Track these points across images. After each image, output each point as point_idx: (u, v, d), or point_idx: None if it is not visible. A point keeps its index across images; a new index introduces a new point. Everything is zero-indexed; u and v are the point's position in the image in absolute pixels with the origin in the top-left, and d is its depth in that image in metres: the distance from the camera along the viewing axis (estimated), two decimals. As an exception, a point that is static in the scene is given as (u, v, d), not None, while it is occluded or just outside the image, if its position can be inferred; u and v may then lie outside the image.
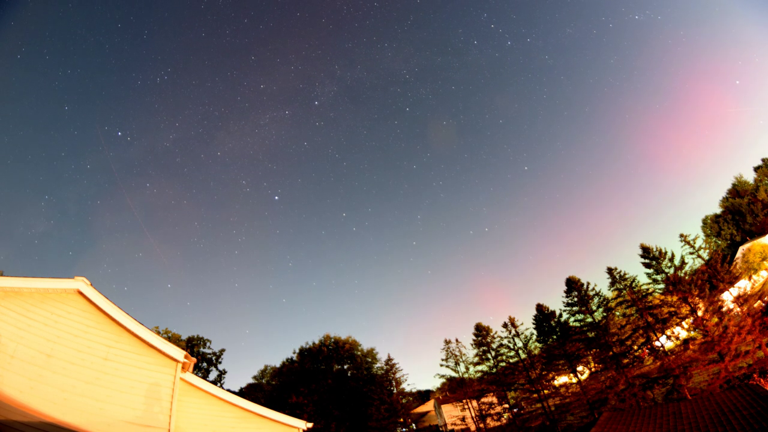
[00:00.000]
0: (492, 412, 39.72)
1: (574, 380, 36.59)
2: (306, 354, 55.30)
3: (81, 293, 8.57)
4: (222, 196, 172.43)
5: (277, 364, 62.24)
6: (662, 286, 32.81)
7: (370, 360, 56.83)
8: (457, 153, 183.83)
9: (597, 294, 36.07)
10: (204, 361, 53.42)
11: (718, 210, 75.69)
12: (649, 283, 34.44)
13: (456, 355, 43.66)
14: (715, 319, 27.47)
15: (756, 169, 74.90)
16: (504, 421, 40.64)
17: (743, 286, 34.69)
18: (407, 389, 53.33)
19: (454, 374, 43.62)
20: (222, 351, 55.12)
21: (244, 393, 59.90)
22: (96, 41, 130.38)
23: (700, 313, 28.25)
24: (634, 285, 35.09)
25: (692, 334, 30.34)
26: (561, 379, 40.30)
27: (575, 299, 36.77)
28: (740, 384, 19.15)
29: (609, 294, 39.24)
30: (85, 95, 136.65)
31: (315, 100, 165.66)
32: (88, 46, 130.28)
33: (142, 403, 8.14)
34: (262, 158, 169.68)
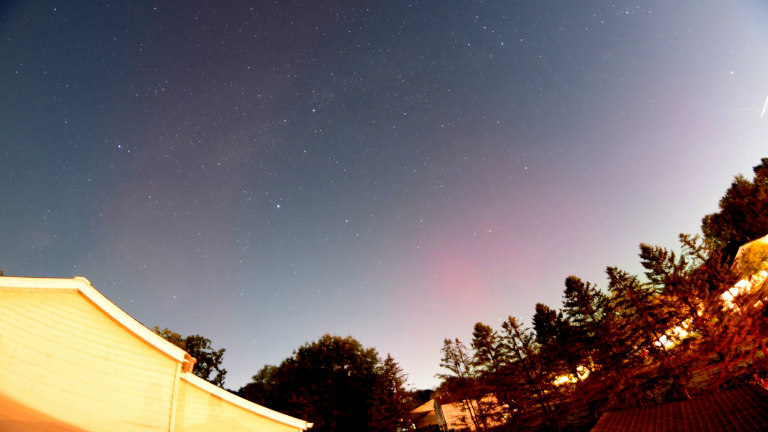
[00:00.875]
0: (492, 412, 39.70)
1: (574, 380, 36.59)
2: (306, 354, 55.30)
3: (81, 293, 8.57)
4: (224, 206, 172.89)
5: (277, 364, 62.31)
6: (662, 286, 32.80)
7: (370, 360, 56.83)
8: (456, 155, 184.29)
9: (597, 294, 36.08)
10: (204, 361, 53.42)
11: (718, 210, 75.74)
12: (649, 283, 34.46)
13: (456, 355, 43.65)
14: (715, 319, 27.46)
15: (756, 169, 74.93)
16: (504, 421, 40.61)
17: (743, 286, 34.68)
18: (407, 389, 53.27)
19: (454, 374, 43.62)
20: (222, 351, 55.15)
21: (244, 393, 59.91)
22: (93, 55, 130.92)
23: (700, 313, 28.25)
24: (634, 285, 35.09)
25: (692, 334, 30.34)
26: (561, 379, 40.29)
27: (575, 299, 36.77)
28: (740, 384, 19.16)
29: (609, 294, 39.26)
30: (83, 109, 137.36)
31: (312, 107, 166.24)
32: (86, 60, 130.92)
33: (142, 403, 8.14)
34: (262, 167, 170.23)
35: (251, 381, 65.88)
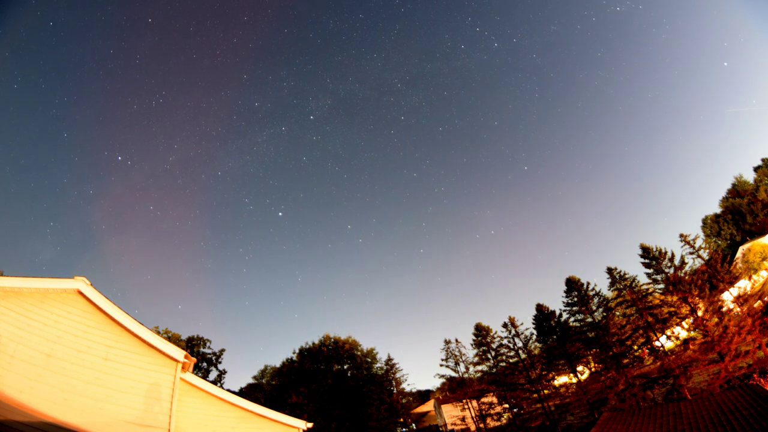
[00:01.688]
0: (492, 412, 39.71)
1: (574, 380, 36.58)
2: (306, 354, 55.28)
3: (81, 293, 8.57)
4: (226, 215, 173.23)
5: (277, 364, 62.30)
6: (662, 286, 32.79)
7: (370, 360, 56.81)
8: (455, 158, 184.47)
9: (597, 294, 36.07)
10: (204, 361, 53.41)
11: (718, 210, 75.75)
12: (649, 283, 34.43)
13: (456, 355, 43.65)
14: (715, 319, 27.46)
15: (756, 169, 74.94)
16: (504, 421, 40.63)
17: (743, 286, 34.66)
18: (407, 389, 53.38)
19: (454, 374, 43.61)
20: (222, 351, 55.13)
21: (244, 393, 59.91)
22: (89, 68, 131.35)
23: (700, 313, 28.25)
24: (634, 285, 35.07)
25: (692, 334, 30.33)
26: (561, 379, 40.28)
27: (575, 299, 36.77)
28: (740, 384, 19.15)
29: (609, 294, 39.26)
30: (83, 122, 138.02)
31: (310, 114, 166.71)
32: (83, 74, 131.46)
33: (142, 403, 8.14)
34: (262, 175, 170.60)
35: (251, 381, 65.97)
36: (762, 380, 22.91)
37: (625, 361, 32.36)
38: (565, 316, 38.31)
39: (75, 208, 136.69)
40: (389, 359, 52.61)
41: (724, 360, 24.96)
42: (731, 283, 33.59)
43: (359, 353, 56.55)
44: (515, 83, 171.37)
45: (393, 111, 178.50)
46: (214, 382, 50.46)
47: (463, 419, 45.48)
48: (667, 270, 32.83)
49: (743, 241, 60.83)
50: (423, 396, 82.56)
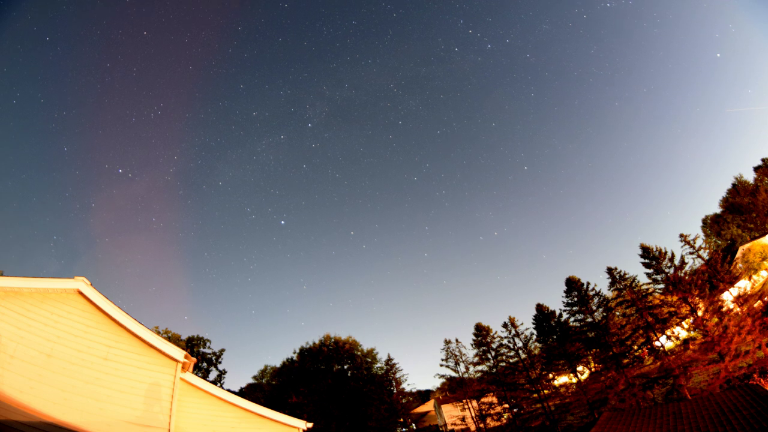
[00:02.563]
0: (492, 412, 39.72)
1: (574, 380, 36.60)
2: (306, 354, 55.27)
3: (81, 293, 8.57)
4: (228, 225, 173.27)
5: (277, 364, 62.29)
6: (662, 286, 32.80)
7: (370, 360, 56.79)
8: (455, 160, 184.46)
9: (597, 294, 36.08)
10: (204, 361, 53.43)
11: (718, 210, 75.72)
12: (649, 283, 34.47)
13: (456, 355, 43.67)
14: (715, 319, 27.46)
15: (756, 169, 74.84)
16: (504, 421, 40.62)
17: (743, 286, 34.64)
18: (407, 389, 53.41)
19: (454, 374, 43.63)
20: (222, 351, 55.16)
21: (244, 393, 59.91)
22: (87, 82, 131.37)
23: (700, 313, 28.25)
24: (634, 285, 35.08)
25: (692, 334, 30.34)
26: (561, 379, 40.30)
27: (575, 299, 36.78)
28: (740, 384, 19.16)
29: (609, 294, 39.28)
30: (82, 135, 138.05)
31: (308, 122, 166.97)
32: (81, 87, 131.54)
33: (142, 403, 8.14)
34: (263, 184, 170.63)
35: (251, 381, 65.94)
36: (762, 380, 22.90)
37: (625, 361, 32.37)
38: (565, 316, 38.37)
39: (78, 222, 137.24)
40: (389, 359, 52.65)
41: (724, 360, 24.96)
42: (731, 283, 33.57)
43: (359, 353, 56.52)
44: (511, 84, 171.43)
45: (390, 116, 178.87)
46: (214, 382, 50.48)
47: (463, 419, 45.49)
48: (667, 270, 32.85)
49: (743, 241, 60.82)
50: (423, 396, 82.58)
